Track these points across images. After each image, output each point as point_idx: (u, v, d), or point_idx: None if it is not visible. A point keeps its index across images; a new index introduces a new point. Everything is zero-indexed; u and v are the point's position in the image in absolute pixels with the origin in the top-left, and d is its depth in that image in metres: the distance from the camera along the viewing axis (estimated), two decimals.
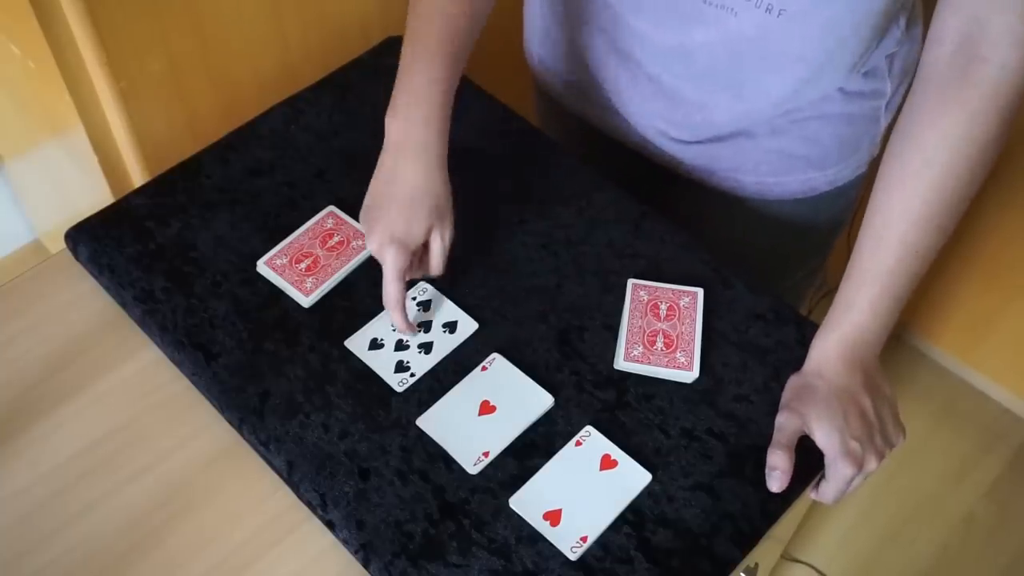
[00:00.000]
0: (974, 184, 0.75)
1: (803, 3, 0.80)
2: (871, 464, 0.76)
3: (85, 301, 0.89)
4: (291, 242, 0.90)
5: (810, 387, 0.79)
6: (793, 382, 0.81)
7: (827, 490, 0.78)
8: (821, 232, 1.06)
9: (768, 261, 1.05)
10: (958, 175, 0.74)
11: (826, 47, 0.84)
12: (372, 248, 0.82)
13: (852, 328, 0.78)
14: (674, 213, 1.01)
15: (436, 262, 0.84)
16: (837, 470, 0.76)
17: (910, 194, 0.75)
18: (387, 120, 0.83)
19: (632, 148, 1.04)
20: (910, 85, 0.77)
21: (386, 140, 0.83)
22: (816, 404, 0.77)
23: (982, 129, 0.73)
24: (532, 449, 0.78)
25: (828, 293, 1.72)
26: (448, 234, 0.83)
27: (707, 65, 0.88)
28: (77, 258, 0.91)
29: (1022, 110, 0.78)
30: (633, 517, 0.75)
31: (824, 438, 0.76)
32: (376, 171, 0.84)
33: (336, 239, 0.90)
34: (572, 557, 0.72)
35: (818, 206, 1.00)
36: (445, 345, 0.84)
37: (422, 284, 0.88)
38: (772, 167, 0.96)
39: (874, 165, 1.00)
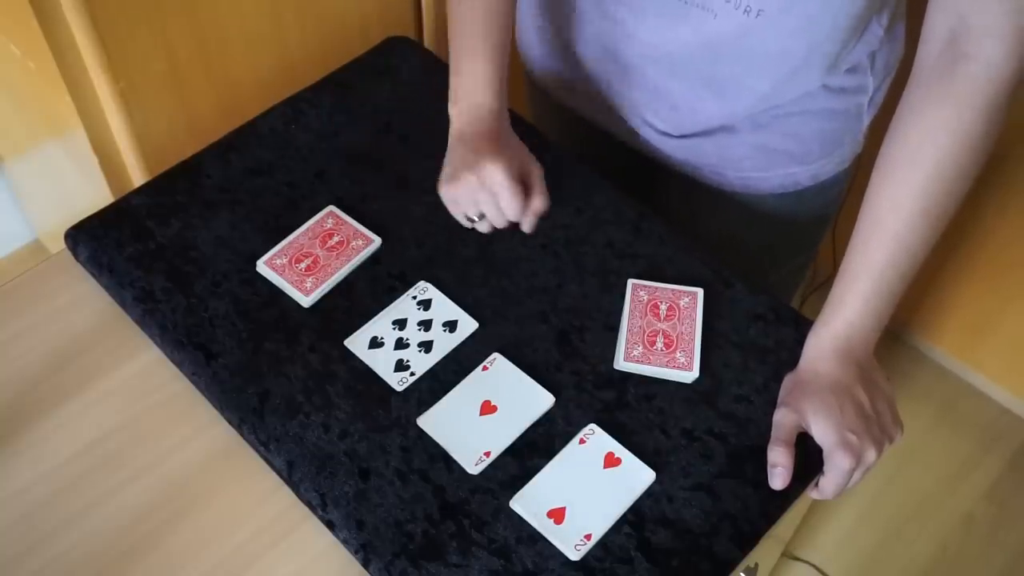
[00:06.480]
0: (964, 180, 0.75)
1: (780, 4, 0.80)
2: (869, 456, 0.76)
3: (85, 301, 0.90)
4: (291, 242, 0.90)
5: (805, 383, 0.79)
6: (789, 379, 0.81)
7: (827, 484, 0.78)
8: (806, 227, 1.07)
9: (755, 255, 1.06)
10: (947, 171, 0.74)
11: (804, 46, 0.85)
12: (472, 179, 0.84)
13: (845, 324, 0.79)
14: (665, 206, 1.02)
15: (540, 190, 0.86)
16: (835, 462, 0.76)
17: (900, 190, 0.76)
18: (452, 109, 0.89)
19: (622, 141, 1.04)
20: (893, 82, 0.78)
21: (455, 119, 0.88)
22: (812, 399, 0.77)
23: (969, 125, 0.73)
24: (532, 449, 0.78)
25: (820, 287, 1.73)
26: (538, 166, 0.88)
27: (689, 63, 0.89)
28: (77, 258, 0.91)
29: (1020, 110, 0.78)
30: (633, 517, 0.75)
31: (821, 431, 0.76)
32: (450, 150, 0.88)
33: (336, 239, 0.90)
34: (576, 556, 0.72)
35: (801, 201, 1.01)
36: (445, 344, 0.84)
37: (422, 284, 0.88)
38: (755, 162, 0.97)
39: (858, 163, 1.01)
